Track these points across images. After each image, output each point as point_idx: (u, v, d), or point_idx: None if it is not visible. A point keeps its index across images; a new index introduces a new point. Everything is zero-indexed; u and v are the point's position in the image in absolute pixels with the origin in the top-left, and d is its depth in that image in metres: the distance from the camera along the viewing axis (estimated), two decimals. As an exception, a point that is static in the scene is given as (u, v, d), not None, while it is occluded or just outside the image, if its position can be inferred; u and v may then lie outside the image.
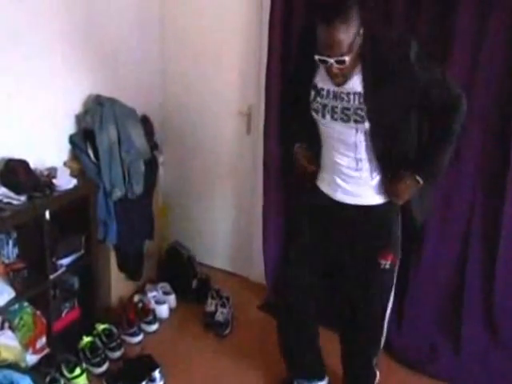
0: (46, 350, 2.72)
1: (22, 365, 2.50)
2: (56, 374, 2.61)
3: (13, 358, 2.46)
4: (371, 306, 2.42)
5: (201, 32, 3.40)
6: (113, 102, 3.00)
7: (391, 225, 2.31)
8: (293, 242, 2.58)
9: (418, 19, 2.61)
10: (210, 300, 3.28)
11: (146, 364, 2.70)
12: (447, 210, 2.79)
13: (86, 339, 2.84)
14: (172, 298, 3.35)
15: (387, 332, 2.97)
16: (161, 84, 3.63)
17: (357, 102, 2.07)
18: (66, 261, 2.78)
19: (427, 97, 2.07)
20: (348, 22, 1.89)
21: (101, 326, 2.93)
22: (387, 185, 2.22)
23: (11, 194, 2.46)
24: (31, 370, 2.52)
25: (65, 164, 2.91)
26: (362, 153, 2.18)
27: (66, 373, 2.63)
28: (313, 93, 2.19)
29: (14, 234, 2.67)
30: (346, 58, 1.93)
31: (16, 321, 2.63)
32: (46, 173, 2.68)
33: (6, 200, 2.44)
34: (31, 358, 2.63)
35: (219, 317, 3.17)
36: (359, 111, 2.08)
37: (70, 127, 2.96)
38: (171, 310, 3.31)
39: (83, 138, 2.91)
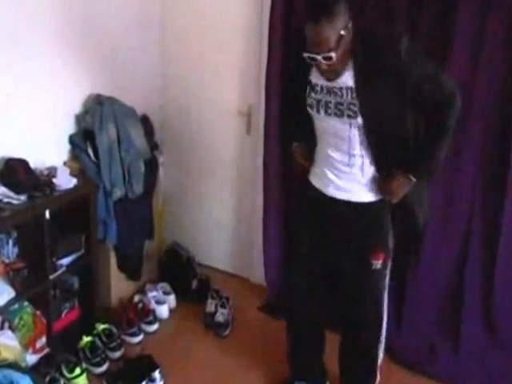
0: (46, 350, 2.71)
1: (22, 365, 2.49)
2: (56, 373, 2.60)
3: (13, 357, 2.46)
4: (364, 305, 2.42)
5: (201, 32, 3.40)
6: (112, 101, 3.00)
7: (382, 223, 2.31)
8: (293, 252, 2.61)
9: (419, 18, 2.62)
10: (210, 300, 3.28)
11: (145, 364, 2.70)
12: (447, 209, 2.80)
13: (86, 339, 2.84)
14: (172, 299, 3.35)
15: (386, 332, 2.98)
16: (161, 84, 3.63)
17: (349, 97, 2.09)
18: (65, 261, 2.78)
19: (419, 93, 2.06)
20: (334, 18, 1.92)
21: (101, 326, 2.93)
22: (380, 182, 2.23)
23: (11, 194, 2.45)
24: (31, 370, 2.51)
25: (65, 164, 2.91)
26: (356, 148, 2.18)
27: (65, 373, 2.63)
28: (308, 88, 2.21)
29: (14, 234, 2.66)
30: (333, 55, 1.96)
31: (16, 321, 2.62)
32: (45, 172, 2.68)
33: (5, 200, 2.44)
34: (31, 358, 2.63)
35: (219, 317, 3.17)
36: (352, 106, 2.09)
37: (69, 127, 2.96)
38: (171, 311, 3.31)
39: (83, 138, 2.91)
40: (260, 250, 3.40)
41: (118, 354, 2.87)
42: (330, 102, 2.15)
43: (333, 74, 2.09)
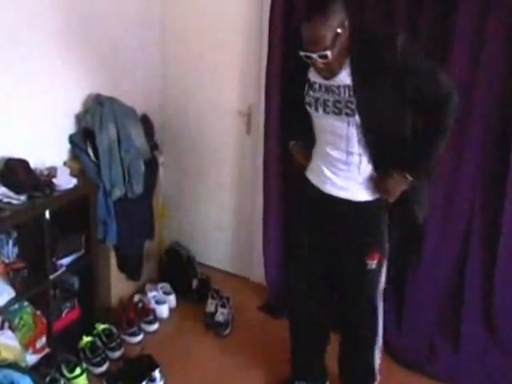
0: (46, 350, 2.71)
1: (22, 365, 2.49)
2: (56, 373, 2.61)
3: (13, 357, 2.46)
4: (359, 305, 2.41)
5: (201, 32, 3.40)
6: (112, 101, 3.00)
7: (379, 223, 2.30)
8: (293, 253, 2.62)
9: (419, 18, 2.61)
10: (210, 300, 3.28)
11: (145, 364, 2.70)
12: (447, 209, 2.79)
13: (86, 339, 2.84)
14: (172, 298, 3.35)
15: (386, 332, 2.98)
16: (161, 84, 3.62)
17: (347, 95, 2.09)
18: (65, 261, 2.78)
19: (416, 92, 2.06)
20: (329, 16, 1.93)
21: (101, 326, 2.93)
22: (377, 181, 2.22)
23: (11, 194, 2.45)
24: (31, 370, 2.51)
25: (65, 164, 2.91)
26: (354, 147, 2.18)
27: (65, 373, 2.63)
28: (306, 86, 2.22)
29: (14, 234, 2.66)
30: (328, 53, 1.96)
31: (16, 321, 2.62)
32: (45, 172, 2.68)
33: (5, 200, 2.44)
34: (31, 358, 2.63)
35: (219, 317, 3.17)
36: (350, 104, 2.09)
37: (69, 127, 2.96)
38: (171, 310, 3.31)
39: (83, 138, 2.91)
40: (260, 249, 3.40)
41: (117, 354, 2.87)
42: (329, 100, 2.15)
43: (329, 72, 2.09)
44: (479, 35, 2.52)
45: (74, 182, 2.72)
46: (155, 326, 3.13)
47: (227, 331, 3.14)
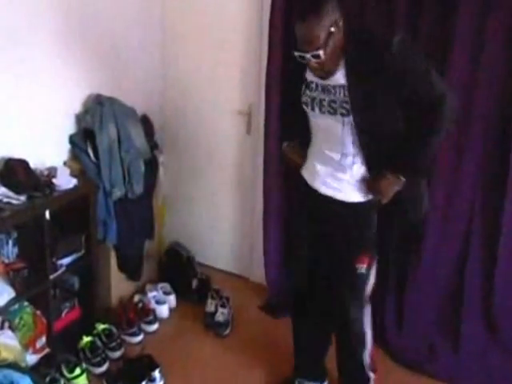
0: (46, 350, 2.71)
1: (22, 365, 2.49)
2: (56, 373, 2.61)
3: (13, 357, 2.45)
4: (347, 308, 2.40)
5: (201, 31, 3.40)
6: (113, 101, 3.00)
7: (370, 225, 2.29)
8: (293, 253, 2.61)
9: (419, 19, 2.61)
10: (210, 300, 3.28)
11: (146, 364, 2.70)
12: (448, 209, 2.79)
13: (86, 339, 2.84)
14: (172, 298, 3.35)
15: (387, 332, 2.98)
16: (161, 84, 3.63)
17: (342, 95, 2.09)
18: (66, 261, 2.78)
19: (410, 93, 2.06)
20: (322, 16, 1.93)
21: (101, 326, 2.93)
22: (370, 182, 2.22)
23: (11, 194, 2.45)
24: (31, 370, 2.51)
25: (65, 164, 2.91)
26: (348, 147, 2.18)
27: (65, 373, 2.63)
28: (303, 86, 2.23)
29: (14, 234, 2.66)
30: (321, 53, 1.97)
31: (16, 321, 2.62)
32: (45, 172, 2.68)
33: (5, 200, 2.43)
34: (31, 358, 2.63)
35: (219, 317, 3.17)
36: (345, 104, 2.09)
37: (69, 127, 2.95)
38: (171, 310, 3.31)
39: (83, 138, 2.91)
40: (260, 249, 3.40)
41: (117, 354, 2.87)
42: (324, 100, 2.15)
43: (324, 72, 2.10)
44: (479, 36, 2.52)
45: (74, 182, 2.72)
46: (155, 326, 3.13)
47: (227, 331, 3.14)
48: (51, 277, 2.68)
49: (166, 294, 3.35)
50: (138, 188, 3.00)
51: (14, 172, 2.50)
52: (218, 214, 3.71)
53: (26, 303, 2.68)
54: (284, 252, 3.31)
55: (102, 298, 3.08)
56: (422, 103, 2.07)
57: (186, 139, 3.64)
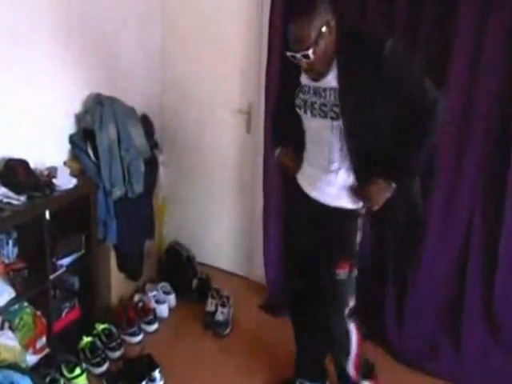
0: (46, 350, 2.71)
1: (22, 365, 2.48)
2: (56, 374, 2.61)
3: (13, 358, 2.45)
4: (330, 315, 2.39)
5: (201, 31, 3.40)
6: (112, 101, 3.00)
7: (354, 231, 2.28)
8: (292, 255, 2.62)
9: (419, 19, 2.61)
10: (210, 300, 3.28)
11: (145, 364, 2.70)
12: (448, 209, 2.79)
13: (86, 339, 2.84)
14: (172, 298, 3.35)
15: (388, 333, 2.98)
16: (161, 83, 3.62)
17: (333, 98, 2.09)
18: (66, 261, 2.78)
19: (402, 98, 2.05)
20: (313, 18, 1.94)
21: (101, 326, 2.93)
22: (360, 188, 2.20)
23: (11, 194, 2.45)
24: (31, 371, 2.51)
25: (65, 164, 2.90)
26: (336, 152, 2.18)
27: (65, 373, 2.63)
28: (297, 89, 2.23)
29: (14, 234, 2.66)
30: (310, 52, 1.97)
31: (16, 321, 2.62)
32: (45, 172, 2.68)
33: (5, 200, 2.43)
34: (31, 358, 2.63)
35: (219, 316, 3.17)
36: (335, 108, 2.09)
37: (69, 127, 2.95)
38: (171, 310, 3.32)
39: (83, 138, 2.91)
40: (260, 248, 3.41)
41: (117, 354, 2.87)
42: (315, 103, 2.16)
43: (315, 73, 2.10)
44: (479, 35, 2.52)
45: (73, 182, 2.72)
46: (155, 326, 3.13)
47: (227, 330, 3.14)
48: (51, 277, 2.68)
49: (166, 293, 3.35)
50: (138, 187, 3.00)
51: (14, 172, 2.50)
52: (218, 214, 3.71)
53: (25, 303, 2.68)
54: (284, 252, 3.31)
55: (102, 297, 3.08)
56: (415, 107, 2.07)
57: (185, 138, 3.64)
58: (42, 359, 2.68)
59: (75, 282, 3.01)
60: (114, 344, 2.88)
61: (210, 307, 3.25)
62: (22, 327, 2.62)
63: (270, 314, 3.31)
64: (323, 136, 2.18)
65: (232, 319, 3.21)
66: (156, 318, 3.15)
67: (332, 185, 2.23)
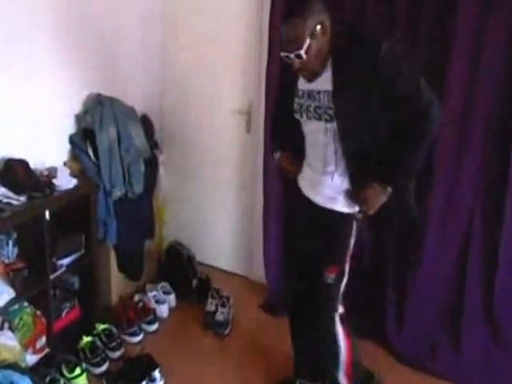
0: (46, 350, 2.71)
1: (22, 365, 2.49)
2: (56, 374, 2.60)
3: (13, 358, 2.45)
4: (316, 319, 2.39)
5: (201, 31, 3.40)
6: (112, 101, 3.00)
7: (347, 236, 2.27)
8: (291, 256, 2.62)
9: (419, 19, 2.61)
10: (210, 300, 3.28)
11: (145, 364, 2.70)
12: (448, 209, 2.79)
13: (86, 339, 2.84)
14: (172, 298, 3.35)
15: (388, 332, 2.98)
16: (161, 83, 3.63)
17: (326, 101, 2.10)
18: (66, 261, 2.78)
19: (397, 100, 2.04)
20: (307, 18, 1.96)
21: (101, 326, 2.93)
22: (355, 192, 2.20)
23: (11, 194, 2.45)
24: (31, 371, 2.51)
25: (65, 164, 2.91)
26: (330, 155, 2.19)
27: (65, 373, 2.63)
28: (294, 94, 2.25)
29: (14, 234, 2.66)
30: (302, 52, 1.98)
31: (16, 321, 2.62)
32: (45, 173, 2.68)
33: (5, 200, 2.43)
34: (31, 358, 2.63)
35: (219, 316, 3.17)
36: (328, 110, 2.10)
37: (69, 127, 2.96)
38: (171, 310, 3.32)
39: (83, 138, 2.91)
40: (260, 248, 3.41)
41: (117, 354, 2.87)
42: (310, 106, 2.17)
43: (310, 74, 2.11)
44: (479, 35, 2.52)
45: (74, 182, 2.72)
46: (155, 326, 3.12)
47: (227, 330, 3.14)
48: (51, 277, 2.68)
49: (166, 293, 3.35)
50: (138, 187, 3.00)
51: (14, 172, 2.50)
52: (218, 214, 3.71)
53: (25, 303, 2.68)
54: (284, 252, 3.31)
55: (102, 297, 3.08)
56: (410, 108, 2.06)
57: (185, 138, 3.65)
58: (41, 359, 2.68)
59: (75, 281, 3.01)
60: (114, 344, 2.88)
61: (210, 307, 3.25)
62: (22, 327, 2.62)
63: (270, 313, 3.31)
64: (318, 138, 2.20)
65: (232, 319, 3.21)
66: (156, 318, 3.15)
67: (328, 187, 2.24)
